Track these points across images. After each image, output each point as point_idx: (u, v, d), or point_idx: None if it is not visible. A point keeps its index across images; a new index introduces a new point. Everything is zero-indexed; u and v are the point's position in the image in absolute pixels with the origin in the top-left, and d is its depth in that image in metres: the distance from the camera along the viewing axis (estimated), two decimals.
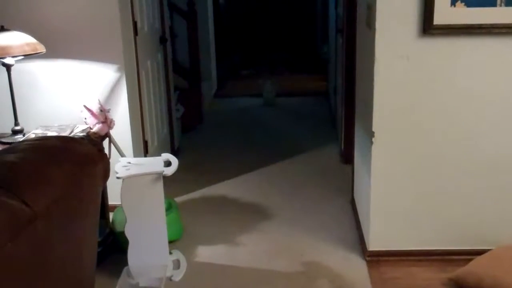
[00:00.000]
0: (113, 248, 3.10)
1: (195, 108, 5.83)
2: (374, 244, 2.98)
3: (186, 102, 5.49)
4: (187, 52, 5.84)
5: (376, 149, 2.82)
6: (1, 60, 2.96)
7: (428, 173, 2.85)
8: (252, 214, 3.68)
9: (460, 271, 2.70)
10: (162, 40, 4.45)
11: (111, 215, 3.25)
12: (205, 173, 4.44)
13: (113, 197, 3.12)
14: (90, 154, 2.01)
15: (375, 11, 2.64)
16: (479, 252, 2.77)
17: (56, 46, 3.28)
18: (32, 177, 1.65)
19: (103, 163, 2.10)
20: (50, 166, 1.76)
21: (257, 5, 9.79)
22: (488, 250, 2.77)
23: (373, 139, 2.80)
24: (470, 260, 2.74)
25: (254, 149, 5.09)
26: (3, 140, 3.06)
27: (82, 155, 1.95)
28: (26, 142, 1.91)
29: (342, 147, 4.62)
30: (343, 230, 3.40)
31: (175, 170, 2.81)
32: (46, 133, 3.03)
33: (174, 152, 4.70)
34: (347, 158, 4.31)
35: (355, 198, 3.61)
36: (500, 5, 2.58)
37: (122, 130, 3.41)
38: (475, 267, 2.66)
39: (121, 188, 2.72)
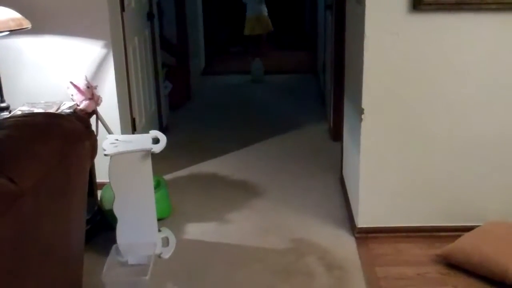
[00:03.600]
0: (102, 226, 3.08)
1: (183, 85, 5.79)
2: (363, 221, 2.99)
3: (174, 79, 5.44)
4: (175, 29, 5.78)
5: (365, 126, 2.81)
6: None
7: (417, 150, 2.85)
8: (241, 191, 3.68)
9: (449, 248, 2.71)
10: (150, 16, 4.40)
11: (99, 192, 3.23)
12: (193, 151, 4.42)
13: (101, 175, 3.10)
14: (77, 131, 1.99)
15: None
16: (467, 229, 2.79)
17: (42, 22, 3.23)
18: (18, 154, 1.63)
19: (91, 140, 2.08)
20: (36, 143, 1.73)
21: None
22: (476, 226, 2.79)
23: (362, 116, 2.79)
24: (458, 236, 2.75)
25: (242, 127, 5.07)
26: None
27: (69, 132, 1.93)
28: (12, 119, 1.88)
29: (331, 124, 4.62)
30: (332, 207, 3.40)
31: (163, 147, 2.79)
32: (33, 110, 2.99)
33: (162, 130, 4.66)
34: (336, 135, 4.31)
35: (344, 175, 3.62)
36: None
37: (109, 107, 3.37)
38: (463, 243, 2.68)
39: (109, 166, 2.70)
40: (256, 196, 3.60)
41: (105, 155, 2.66)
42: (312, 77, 6.89)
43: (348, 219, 3.20)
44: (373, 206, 2.96)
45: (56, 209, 1.85)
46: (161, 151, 2.78)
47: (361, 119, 2.80)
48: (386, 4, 2.62)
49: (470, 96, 2.76)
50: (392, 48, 2.69)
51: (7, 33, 2.93)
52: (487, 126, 2.81)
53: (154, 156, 2.78)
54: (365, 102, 2.78)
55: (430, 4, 2.58)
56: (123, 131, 3.54)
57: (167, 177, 3.81)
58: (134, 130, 3.83)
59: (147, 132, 2.98)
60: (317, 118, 5.20)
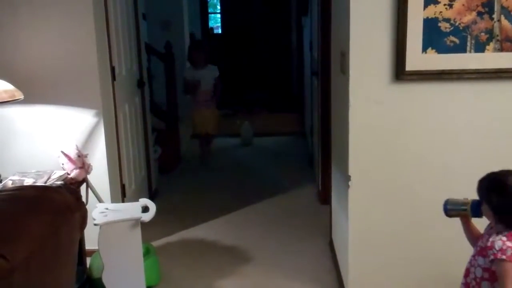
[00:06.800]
0: None
1: (173, 149, 5.83)
2: None
3: (163, 143, 5.50)
4: (165, 93, 5.87)
5: (353, 192, 2.84)
6: None
7: (406, 217, 2.86)
8: (230, 257, 3.67)
9: None
10: (140, 84, 4.48)
11: (88, 260, 3.21)
12: (183, 216, 4.42)
13: (90, 242, 3.09)
14: (68, 204, 2.01)
15: (348, 58, 2.70)
16: None
17: (34, 92, 3.28)
18: (9, 229, 1.65)
19: (81, 212, 2.10)
20: (27, 218, 1.75)
21: (233, 46, 9.92)
22: None
23: (350, 183, 2.83)
24: None
25: (232, 190, 5.10)
26: None
27: (60, 205, 1.96)
28: (3, 193, 1.91)
29: (320, 187, 4.65)
30: (321, 272, 3.40)
31: (152, 216, 2.80)
32: (23, 180, 3.00)
33: (151, 194, 4.69)
34: (325, 198, 4.33)
35: (333, 240, 3.62)
36: (470, 52, 2.66)
37: (99, 175, 3.39)
38: None
39: (99, 235, 2.71)
40: (245, 262, 3.59)
41: (95, 224, 2.67)
42: (300, 139, 6.96)
43: (338, 286, 3.19)
44: (363, 274, 2.95)
45: (45, 281, 1.86)
46: None
47: (348, 186, 2.84)
48: (369, 74, 2.70)
49: (455, 162, 2.80)
50: (377, 116, 2.75)
51: None
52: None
53: (143, 222, 2.79)
54: (352, 169, 2.81)
55: (411, 74, 2.66)
56: (113, 198, 3.55)
57: (156, 243, 3.80)
58: (123, 196, 3.84)
59: (137, 198, 3.00)
60: (305, 181, 5.24)
